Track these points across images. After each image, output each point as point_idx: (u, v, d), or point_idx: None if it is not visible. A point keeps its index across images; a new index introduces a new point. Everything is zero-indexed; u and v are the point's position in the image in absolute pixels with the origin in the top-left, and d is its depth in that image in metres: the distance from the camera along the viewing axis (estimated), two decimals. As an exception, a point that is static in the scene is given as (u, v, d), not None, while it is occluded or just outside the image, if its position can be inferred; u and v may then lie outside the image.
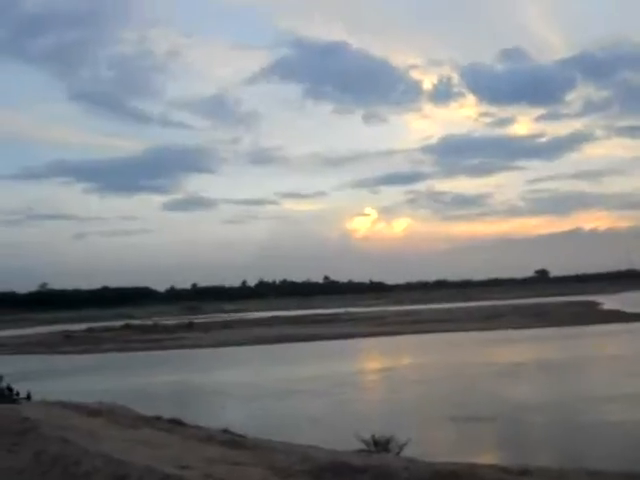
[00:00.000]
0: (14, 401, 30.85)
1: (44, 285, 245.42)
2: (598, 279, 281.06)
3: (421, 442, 24.19)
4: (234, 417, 32.15)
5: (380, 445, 21.91)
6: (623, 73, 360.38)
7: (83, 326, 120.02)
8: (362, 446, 21.86)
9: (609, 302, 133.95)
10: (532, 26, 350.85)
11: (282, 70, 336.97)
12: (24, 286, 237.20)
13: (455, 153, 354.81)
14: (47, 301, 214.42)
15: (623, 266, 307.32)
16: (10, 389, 33.07)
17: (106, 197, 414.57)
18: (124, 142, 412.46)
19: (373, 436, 22.33)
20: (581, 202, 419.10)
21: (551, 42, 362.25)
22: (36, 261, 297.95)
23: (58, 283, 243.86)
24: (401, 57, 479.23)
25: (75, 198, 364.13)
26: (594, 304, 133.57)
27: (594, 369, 47.88)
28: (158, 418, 21.53)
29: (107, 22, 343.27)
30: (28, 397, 32.15)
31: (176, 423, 20.15)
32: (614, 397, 35.74)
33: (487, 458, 23.67)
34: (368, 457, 16.37)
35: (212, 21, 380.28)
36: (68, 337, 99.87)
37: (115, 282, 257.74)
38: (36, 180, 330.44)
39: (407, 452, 20.88)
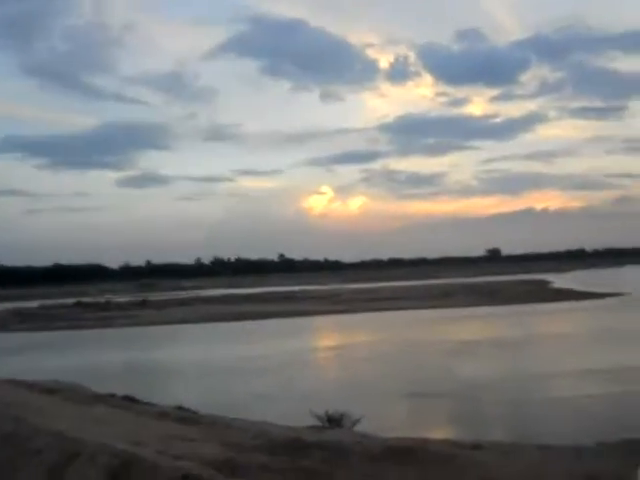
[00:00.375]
0: (-36, 379, 30.43)
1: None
2: (549, 258, 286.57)
3: (374, 418, 24.47)
4: (188, 394, 32.15)
5: (334, 421, 22.15)
6: (577, 55, 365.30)
7: (35, 304, 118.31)
8: (316, 422, 22.08)
9: (560, 281, 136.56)
10: (488, 7, 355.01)
11: (240, 46, 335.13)
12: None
13: (411, 132, 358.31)
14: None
15: (574, 245, 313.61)
16: (-40, 367, 32.63)
17: (59, 173, 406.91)
18: (78, 117, 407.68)
19: (326, 412, 22.56)
20: (534, 182, 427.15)
21: (506, 23, 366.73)
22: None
23: (9, 260, 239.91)
24: (358, 36, 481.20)
25: (27, 174, 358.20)
26: (545, 282, 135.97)
27: (544, 346, 48.78)
28: (112, 395, 21.48)
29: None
30: (-21, 375, 31.74)
31: (130, 400, 20.13)
32: (563, 373, 36.56)
33: (440, 433, 24.08)
34: (321, 432, 16.56)
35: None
36: (20, 315, 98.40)
37: (68, 259, 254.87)
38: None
39: (360, 428, 21.16)
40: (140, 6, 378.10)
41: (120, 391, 22.76)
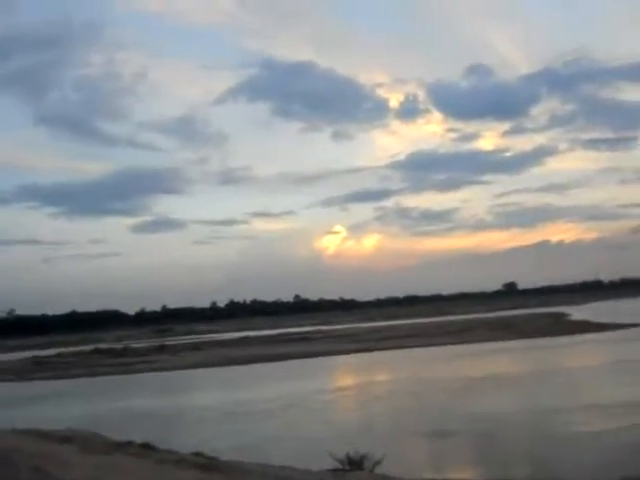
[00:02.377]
0: (-18, 431, 30.39)
1: (11, 311, 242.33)
2: (566, 290, 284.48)
3: (395, 458, 24.18)
4: (205, 439, 31.94)
5: (354, 463, 21.90)
6: (586, 87, 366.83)
7: (52, 352, 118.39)
8: (336, 464, 21.84)
9: (577, 313, 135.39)
10: (496, 43, 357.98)
11: (249, 90, 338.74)
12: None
13: (422, 169, 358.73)
14: (15, 327, 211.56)
15: (590, 277, 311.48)
16: (-22, 418, 32.59)
17: (74, 220, 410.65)
18: (91, 165, 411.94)
19: (347, 454, 22.31)
20: (548, 215, 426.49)
21: (514, 58, 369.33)
22: (3, 287, 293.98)
23: (26, 309, 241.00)
24: (367, 76, 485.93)
25: (42, 222, 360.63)
26: (563, 315, 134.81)
27: (565, 380, 48.24)
28: (129, 443, 21.35)
29: (73, 45, 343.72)
30: (-3, 426, 31.67)
31: (147, 447, 20.00)
32: (586, 407, 36.07)
33: (461, 473, 23.77)
34: (342, 476, 16.36)
35: (179, 42, 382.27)
36: (37, 363, 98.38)
37: (84, 306, 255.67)
38: (2, 205, 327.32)
39: (381, 469, 20.92)
40: (151, 53, 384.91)
41: (138, 438, 22.63)
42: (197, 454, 20.28)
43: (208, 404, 49.77)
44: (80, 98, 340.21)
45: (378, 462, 21.87)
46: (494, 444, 29.93)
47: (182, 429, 39.38)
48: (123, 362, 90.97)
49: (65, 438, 20.85)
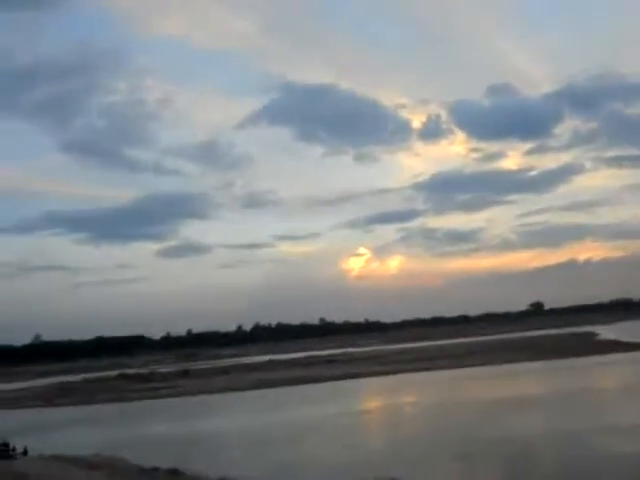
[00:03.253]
0: (10, 457, 30.52)
1: (38, 337, 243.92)
2: (594, 310, 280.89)
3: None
4: (232, 465, 31.78)
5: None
6: (609, 104, 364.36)
7: (78, 377, 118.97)
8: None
9: (606, 332, 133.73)
10: (517, 61, 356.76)
11: (272, 114, 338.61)
12: (19, 339, 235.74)
13: (446, 189, 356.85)
14: (42, 353, 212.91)
15: (618, 295, 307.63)
16: (6, 444, 32.72)
17: (100, 246, 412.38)
18: (117, 191, 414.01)
19: (375, 477, 22.14)
20: (573, 233, 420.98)
21: (537, 76, 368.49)
22: (31, 313, 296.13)
23: (53, 334, 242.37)
24: (389, 97, 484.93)
25: (69, 248, 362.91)
26: (591, 335, 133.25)
27: (597, 400, 47.62)
28: (156, 469, 21.31)
29: (98, 72, 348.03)
30: (25, 452, 31.77)
31: (175, 473, 19.94)
32: (617, 428, 35.50)
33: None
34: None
35: (202, 68, 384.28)
36: (63, 389, 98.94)
37: (110, 331, 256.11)
38: (30, 232, 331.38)
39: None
40: (174, 80, 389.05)
41: (165, 464, 22.58)
42: (223, 479, 20.19)
43: (236, 427, 49.67)
44: (105, 125, 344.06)
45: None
46: (523, 467, 29.54)
47: (209, 455, 39.24)
48: (149, 387, 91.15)
49: (92, 464, 20.86)
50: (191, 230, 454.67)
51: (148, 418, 61.73)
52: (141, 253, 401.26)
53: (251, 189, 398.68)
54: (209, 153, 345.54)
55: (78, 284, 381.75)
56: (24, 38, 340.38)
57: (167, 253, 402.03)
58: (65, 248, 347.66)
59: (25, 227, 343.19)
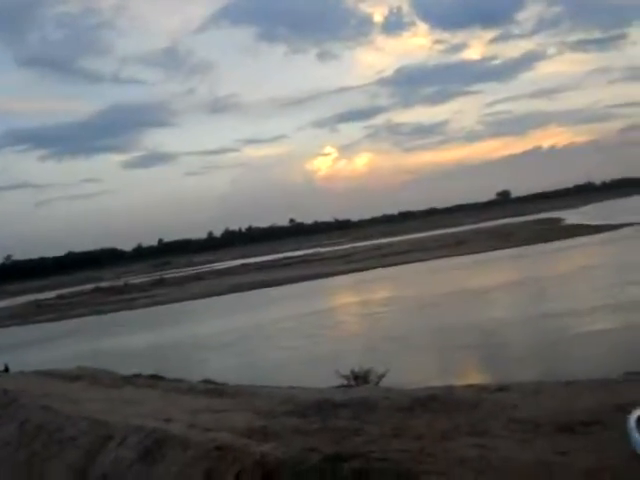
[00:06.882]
0: (-8, 375, 30.69)
1: (9, 257, 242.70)
2: (560, 195, 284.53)
3: (399, 371, 24.55)
4: (214, 367, 32.34)
5: (360, 378, 22.27)
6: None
7: (53, 294, 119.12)
8: (343, 381, 22.18)
9: (572, 217, 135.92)
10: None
11: (232, 15, 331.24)
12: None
13: (411, 83, 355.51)
14: (14, 272, 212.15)
15: (583, 180, 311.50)
16: (-14, 364, 32.87)
17: (64, 162, 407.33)
18: (78, 104, 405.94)
19: (352, 370, 22.66)
20: (539, 121, 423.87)
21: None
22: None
23: (23, 253, 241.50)
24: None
25: (33, 166, 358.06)
26: (558, 220, 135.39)
27: (564, 284, 48.70)
28: (138, 375, 21.55)
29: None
30: (6, 369, 31.99)
31: (156, 378, 20.18)
32: (586, 309, 36.45)
33: (465, 380, 24.13)
34: (349, 391, 16.59)
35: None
36: (39, 306, 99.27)
37: (81, 246, 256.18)
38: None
39: (386, 382, 21.23)
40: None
41: (146, 371, 22.85)
42: (206, 381, 20.51)
43: (214, 332, 50.29)
44: (60, 37, 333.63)
45: (382, 375, 22.23)
46: (500, 351, 30.36)
47: (190, 359, 39.85)
48: (125, 298, 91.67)
49: (74, 377, 21.05)
50: (155, 139, 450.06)
51: (126, 329, 62.26)
52: (106, 166, 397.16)
53: (214, 94, 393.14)
54: (169, 59, 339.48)
55: (45, 201, 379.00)
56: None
57: (132, 164, 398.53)
58: (28, 165, 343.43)
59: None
